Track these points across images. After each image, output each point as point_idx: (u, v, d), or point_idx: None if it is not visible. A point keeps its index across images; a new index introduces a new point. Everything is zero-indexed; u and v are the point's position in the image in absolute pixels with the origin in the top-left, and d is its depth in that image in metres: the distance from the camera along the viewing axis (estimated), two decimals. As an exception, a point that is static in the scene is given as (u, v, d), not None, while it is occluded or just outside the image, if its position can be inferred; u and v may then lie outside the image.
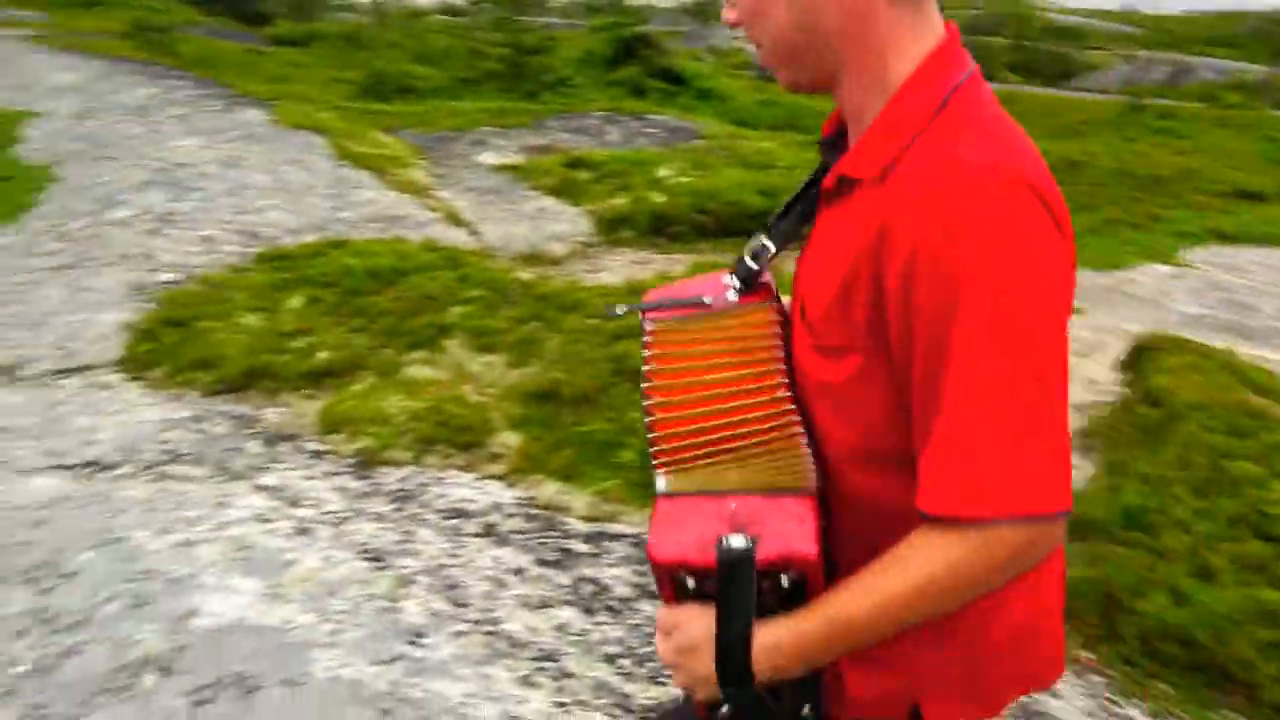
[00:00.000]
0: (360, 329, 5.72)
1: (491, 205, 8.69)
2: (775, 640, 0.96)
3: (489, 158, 10.23)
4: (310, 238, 7.26)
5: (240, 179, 8.38)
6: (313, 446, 4.29)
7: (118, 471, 3.82)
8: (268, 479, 3.78)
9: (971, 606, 0.96)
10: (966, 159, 0.90)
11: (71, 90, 12.07)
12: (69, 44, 16.21)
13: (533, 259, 7.68)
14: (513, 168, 9.76)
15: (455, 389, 4.97)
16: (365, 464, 4.17)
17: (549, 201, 8.83)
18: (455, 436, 4.40)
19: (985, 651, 1.06)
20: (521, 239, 7.98)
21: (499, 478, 4.18)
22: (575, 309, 6.11)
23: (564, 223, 8.38)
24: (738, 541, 0.93)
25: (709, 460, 1.03)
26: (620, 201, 8.61)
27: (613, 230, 8.25)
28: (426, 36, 30.97)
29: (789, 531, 0.95)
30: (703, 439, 1.03)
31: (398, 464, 4.20)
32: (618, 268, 7.52)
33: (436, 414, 4.55)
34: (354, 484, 3.89)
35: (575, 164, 9.52)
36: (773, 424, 1.02)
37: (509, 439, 4.49)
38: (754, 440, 1.02)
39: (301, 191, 8.33)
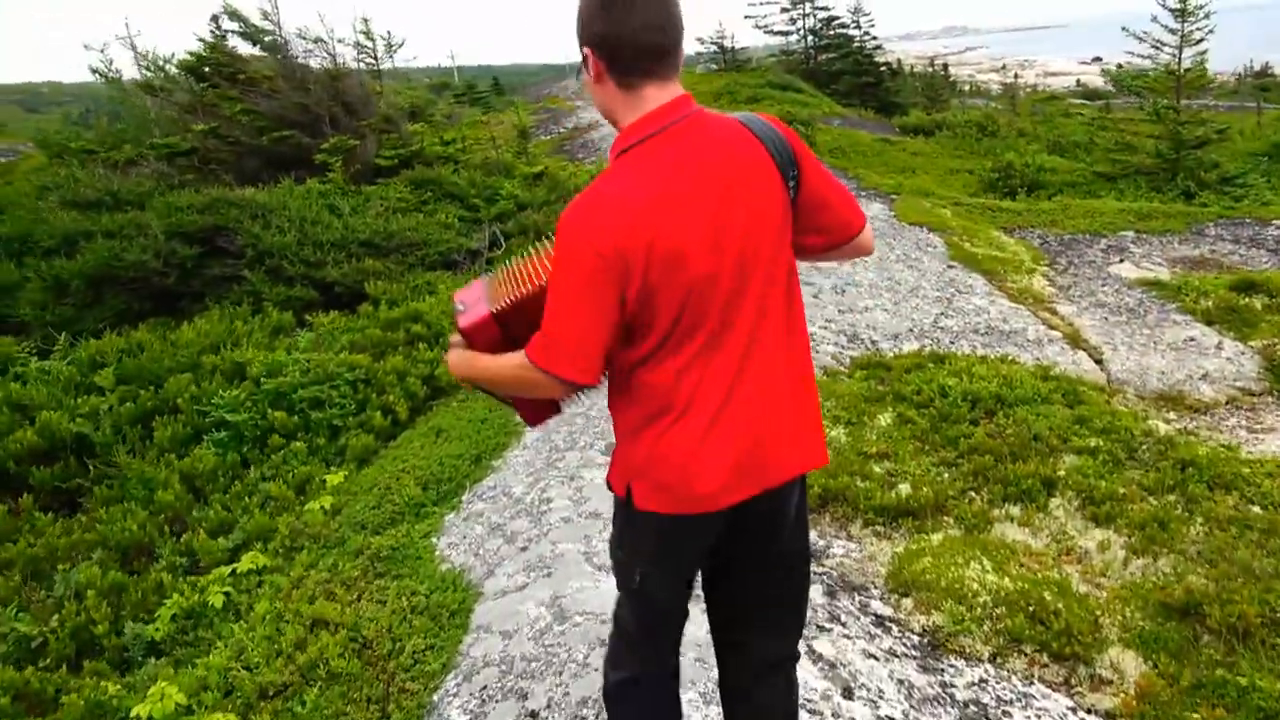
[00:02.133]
0: (949, 463, 5.09)
1: (1124, 327, 7.40)
2: (454, 356, 2.04)
3: (1126, 269, 8.84)
4: (909, 346, 6.85)
5: (850, 275, 8.35)
6: (877, 608, 3.77)
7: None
8: (824, 645, 3.35)
9: (629, 437, 1.94)
10: (578, 197, 1.82)
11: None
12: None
13: (1171, 403, 6.28)
14: (1156, 283, 8.27)
15: (1056, 569, 4.05)
16: (934, 648, 3.52)
17: (1201, 330, 7.23)
18: (1051, 640, 3.51)
19: (639, 464, 1.91)
20: (1158, 375, 6.60)
21: (1108, 716, 3.20)
22: (1230, 488, 4.71)
23: (1220, 360, 6.75)
24: (459, 306, 2.04)
25: (494, 287, 2.06)
26: (1308, 341, 6.68)
27: (1292, 378, 6.40)
28: (1062, 124, 29.25)
29: (471, 316, 2.00)
30: (497, 280, 2.08)
31: (973, 658, 3.47)
32: (1295, 431, 5.75)
33: (1029, 601, 3.71)
34: (919, 678, 3.26)
35: (1244, 286, 7.70)
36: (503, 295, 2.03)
37: (1124, 661, 3.45)
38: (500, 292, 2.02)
39: (908, 293, 8.00)
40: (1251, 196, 11.42)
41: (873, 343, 6.97)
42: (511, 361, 1.89)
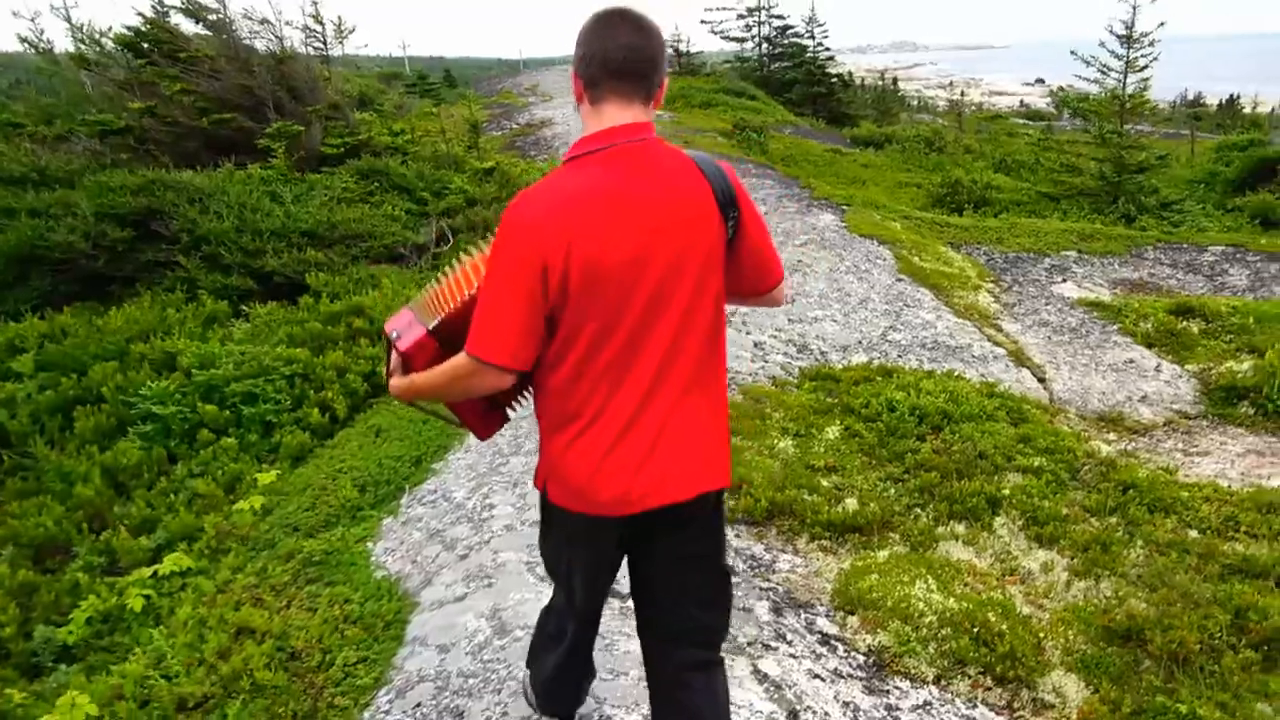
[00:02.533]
0: (895, 478, 5.08)
1: (1066, 347, 7.51)
2: (395, 381, 2.16)
3: (1069, 288, 8.99)
4: (858, 358, 6.85)
5: (801, 285, 8.34)
6: (823, 625, 3.72)
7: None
8: (769, 664, 3.28)
9: (546, 437, 2.07)
10: (520, 193, 1.96)
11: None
12: (685, 140, 18.33)
13: (1112, 423, 6.37)
14: (1097, 304, 8.42)
15: (1000, 590, 4.05)
16: (880, 669, 3.47)
17: (1140, 352, 7.37)
18: (995, 663, 3.49)
19: (552, 464, 2.05)
20: (1099, 395, 6.70)
21: (1048, 742, 3.18)
22: (1169, 511, 4.77)
23: (1158, 382, 6.88)
24: (393, 335, 2.14)
25: (423, 309, 2.17)
26: (1242, 366, 6.84)
27: (1226, 403, 6.54)
28: (1007, 143, 29.81)
29: (409, 338, 2.11)
30: (424, 303, 2.18)
31: (918, 680, 3.43)
32: (1228, 455, 5.87)
33: (972, 622, 3.69)
34: (864, 700, 3.21)
35: (1183, 310, 7.87)
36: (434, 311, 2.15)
37: (1066, 685, 3.45)
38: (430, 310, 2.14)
39: (857, 305, 8.02)
40: (1189, 222, 11.74)
41: (822, 354, 6.95)
42: (449, 364, 2.00)
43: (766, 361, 6.67)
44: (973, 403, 5.89)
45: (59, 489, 5.31)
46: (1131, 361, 7.18)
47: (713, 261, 1.99)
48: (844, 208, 11.40)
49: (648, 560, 2.18)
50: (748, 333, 7.19)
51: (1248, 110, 33.65)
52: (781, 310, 7.72)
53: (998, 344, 7.43)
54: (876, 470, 5.18)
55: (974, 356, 7.11)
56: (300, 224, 8.79)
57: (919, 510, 4.78)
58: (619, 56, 1.93)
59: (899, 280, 8.76)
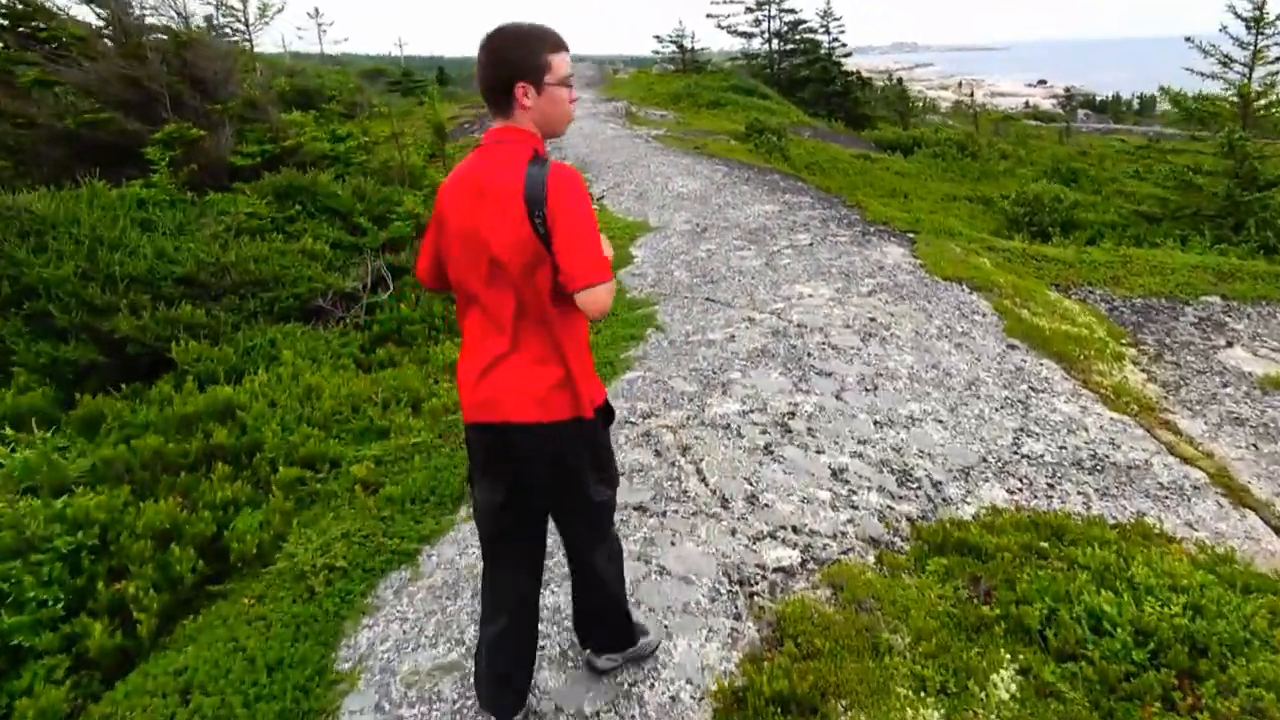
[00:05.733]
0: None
1: (1290, 464, 5.03)
2: None
3: (1241, 356, 6.51)
4: (989, 491, 4.39)
5: (880, 360, 5.86)
6: None
7: None
8: None
9: None
10: None
11: (689, 200, 11.00)
12: (696, 145, 15.83)
13: None
14: (1299, 386, 5.94)
15: None
16: None
17: None
18: None
19: None
20: (1383, 561, 4.23)
21: None
22: None
23: None
24: None
25: None
26: None
27: None
28: (1039, 147, 27.26)
29: None
30: None
31: None
32: None
33: None
34: None
35: None
36: None
37: None
38: None
39: (964, 390, 5.55)
40: (1339, 252, 9.25)
41: (935, 485, 4.49)
42: None
43: (856, 508, 4.21)
44: (1228, 611, 3.43)
45: None
46: (1406, 494, 4.70)
47: (517, 243, 2.28)
48: (910, 236, 8.90)
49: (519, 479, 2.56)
50: (818, 450, 4.71)
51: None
52: (861, 404, 5.25)
53: (1186, 459, 4.96)
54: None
55: (1162, 486, 4.64)
56: (177, 266, 6.30)
57: None
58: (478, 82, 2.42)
59: (1012, 348, 6.28)
